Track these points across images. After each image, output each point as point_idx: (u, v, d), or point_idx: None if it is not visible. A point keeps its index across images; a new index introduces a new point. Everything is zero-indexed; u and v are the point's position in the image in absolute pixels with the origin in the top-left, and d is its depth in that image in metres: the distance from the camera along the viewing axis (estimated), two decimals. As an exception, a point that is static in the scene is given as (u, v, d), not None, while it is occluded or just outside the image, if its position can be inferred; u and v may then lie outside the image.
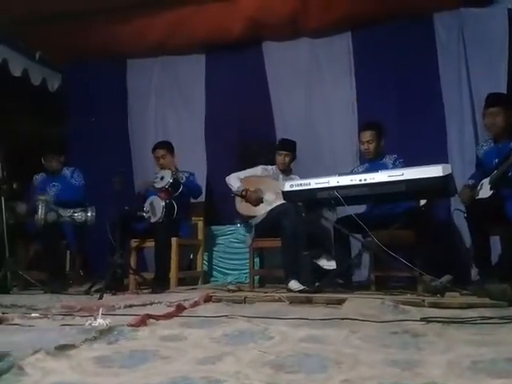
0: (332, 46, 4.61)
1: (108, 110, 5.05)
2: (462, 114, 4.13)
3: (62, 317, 2.39)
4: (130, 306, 2.66)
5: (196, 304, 2.73)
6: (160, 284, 3.53)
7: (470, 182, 3.35)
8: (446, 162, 3.83)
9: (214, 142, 4.90)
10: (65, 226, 3.86)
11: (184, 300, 2.76)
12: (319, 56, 4.66)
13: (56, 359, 1.45)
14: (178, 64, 5.05)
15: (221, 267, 4.49)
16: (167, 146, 4.05)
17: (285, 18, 4.38)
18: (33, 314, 2.39)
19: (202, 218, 4.28)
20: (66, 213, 3.82)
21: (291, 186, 3.10)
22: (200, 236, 4.27)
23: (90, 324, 2.02)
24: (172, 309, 2.49)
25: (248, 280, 4.13)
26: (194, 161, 4.68)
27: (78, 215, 3.85)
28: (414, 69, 4.31)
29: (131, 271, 3.72)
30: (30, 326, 2.14)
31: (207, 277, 4.41)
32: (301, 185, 3.07)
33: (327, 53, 4.63)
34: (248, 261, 4.15)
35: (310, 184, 3.05)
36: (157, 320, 2.17)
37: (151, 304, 2.73)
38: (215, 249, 4.55)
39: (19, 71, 4.78)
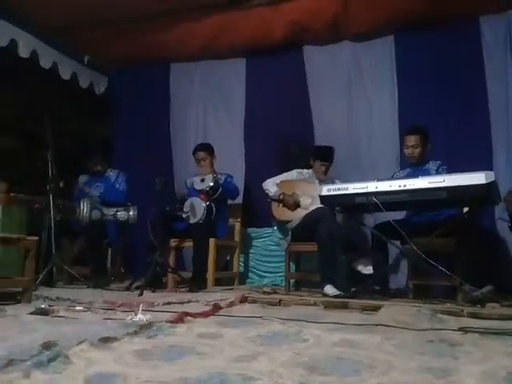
0: (374, 50, 4.56)
1: (151, 113, 5.20)
2: (508, 120, 4.00)
3: (104, 311, 2.50)
4: (169, 303, 2.74)
5: (232, 304, 2.78)
6: (197, 283, 3.61)
7: (515, 188, 3.26)
8: (491, 169, 3.77)
9: (252, 144, 4.95)
10: (108, 224, 3.99)
11: (220, 300, 2.82)
12: (361, 59, 4.61)
13: (99, 350, 1.53)
14: (219, 67, 5.12)
15: (257, 269, 4.53)
16: (207, 149, 4.13)
17: (327, 22, 4.37)
18: (77, 308, 2.51)
19: (239, 220, 4.34)
20: (109, 211, 3.95)
21: (329, 190, 3.10)
22: (237, 237, 4.33)
23: (130, 319, 2.11)
24: (209, 308, 2.56)
25: (283, 283, 4.16)
26: (232, 163, 4.74)
27: (121, 214, 3.97)
28: (459, 73, 4.21)
29: (170, 270, 3.81)
30: (74, 318, 2.24)
31: (243, 278, 4.46)
32: (338, 189, 3.06)
33: (369, 56, 4.57)
34: (284, 264, 4.20)
35: (347, 189, 3.03)
36: (194, 318, 2.24)
37: (188, 302, 2.80)
38: (251, 251, 4.59)
39: (68, 74, 4.99)
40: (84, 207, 3.82)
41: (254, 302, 2.96)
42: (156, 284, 3.53)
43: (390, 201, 2.93)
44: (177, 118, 5.26)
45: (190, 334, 1.86)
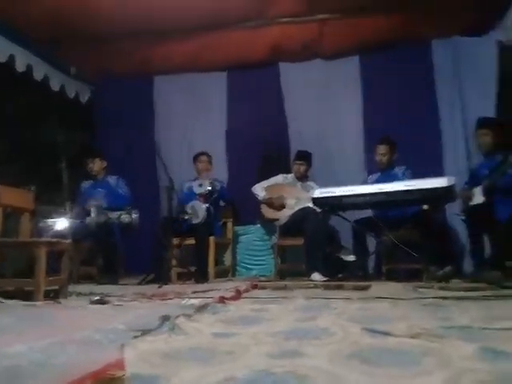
0: (342, 68, 5.23)
1: (137, 122, 5.55)
2: (455, 130, 4.81)
3: (147, 300, 2.93)
4: (195, 292, 3.21)
5: (247, 290, 3.30)
6: (202, 276, 4.10)
7: (465, 187, 4.03)
8: (442, 173, 4.54)
9: (234, 152, 5.48)
10: (113, 227, 4.36)
11: (236, 287, 3.32)
12: (330, 76, 5.26)
13: (191, 322, 1.99)
14: (201, 80, 5.58)
15: (244, 263, 5.05)
16: (209, 156, 4.68)
17: (302, 44, 4.98)
18: (125, 298, 2.92)
19: (231, 220, 4.85)
20: (113, 215, 4.32)
21: (321, 192, 3.71)
22: (229, 235, 4.84)
23: (185, 302, 2.58)
24: (232, 293, 3.06)
25: (270, 274, 4.73)
26: (215, 169, 5.21)
27: (124, 217, 4.34)
28: (414, 89, 4.97)
29: (178, 265, 4.23)
30: (132, 306, 2.67)
31: (233, 271, 4.98)
32: (328, 192, 3.68)
33: (337, 73, 5.24)
34: (269, 257, 4.79)
35: (336, 191, 3.66)
36: (230, 300, 2.74)
37: (211, 290, 3.29)
38: (238, 246, 5.11)
39: (58, 86, 5.27)
40: (92, 212, 4.19)
41: (263, 287, 3.50)
42: (166, 278, 3.97)
43: (371, 201, 3.59)
44: (161, 127, 5.66)
45: (243, 310, 2.37)
